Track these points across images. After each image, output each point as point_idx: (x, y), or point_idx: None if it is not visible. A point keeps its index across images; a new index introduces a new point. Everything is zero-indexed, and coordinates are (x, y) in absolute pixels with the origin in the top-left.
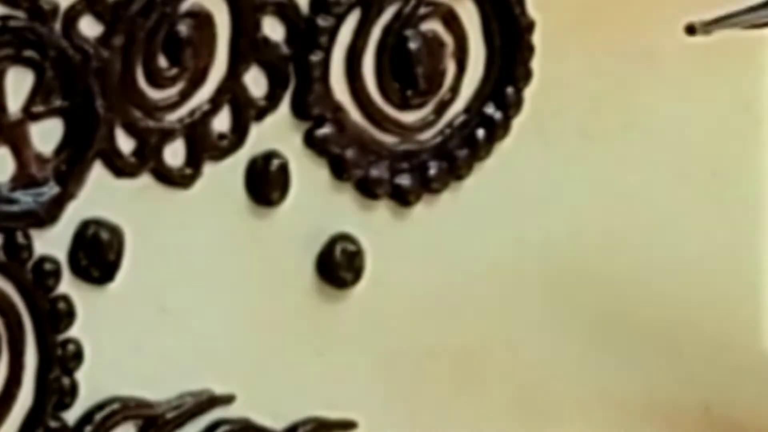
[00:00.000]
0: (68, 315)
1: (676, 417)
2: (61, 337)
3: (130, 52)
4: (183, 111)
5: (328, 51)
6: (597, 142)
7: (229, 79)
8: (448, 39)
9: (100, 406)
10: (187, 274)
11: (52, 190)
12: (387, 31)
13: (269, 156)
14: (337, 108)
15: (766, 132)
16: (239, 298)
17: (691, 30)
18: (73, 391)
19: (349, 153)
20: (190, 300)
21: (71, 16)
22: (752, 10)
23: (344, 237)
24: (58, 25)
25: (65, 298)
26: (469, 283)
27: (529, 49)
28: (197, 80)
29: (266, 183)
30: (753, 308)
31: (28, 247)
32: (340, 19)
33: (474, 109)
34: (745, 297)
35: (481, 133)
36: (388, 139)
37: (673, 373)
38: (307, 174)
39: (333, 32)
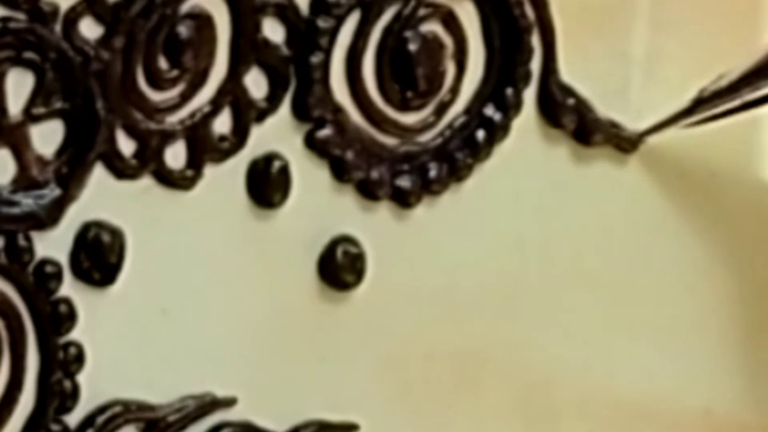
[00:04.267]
0: (69, 318)
1: (677, 419)
2: (63, 339)
3: (131, 54)
4: (184, 113)
5: (328, 52)
6: (596, 143)
7: (229, 81)
8: (447, 40)
9: (101, 409)
10: (189, 276)
11: (53, 192)
12: (387, 32)
13: (270, 158)
14: (338, 109)
15: (766, 132)
16: (240, 301)
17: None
18: (74, 394)
19: (350, 155)
20: (192, 302)
21: (71, 18)
22: (691, 109)
23: (346, 239)
24: (58, 27)
25: (66, 301)
26: (470, 285)
27: (529, 51)
28: (198, 82)
29: (267, 185)
30: (753, 309)
31: (29, 250)
32: (340, 20)
33: (474, 110)
34: (745, 297)
35: (481, 134)
36: (389, 140)
37: (674, 374)
38: (308, 176)
39: (333, 33)
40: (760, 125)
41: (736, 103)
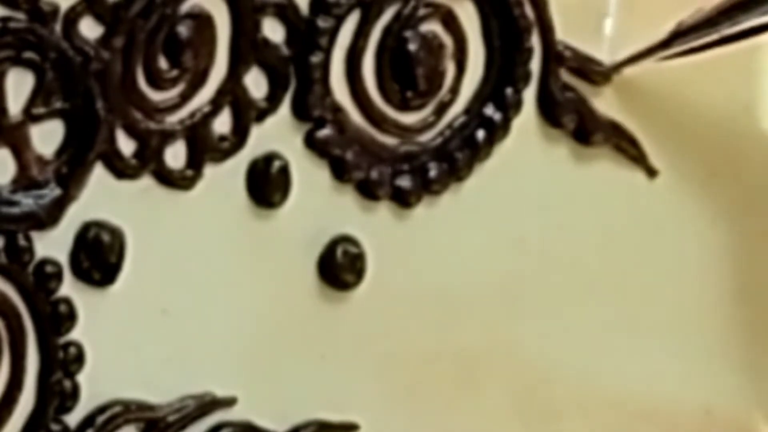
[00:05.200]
0: (69, 317)
1: (677, 419)
2: (63, 339)
3: (131, 54)
4: (184, 113)
5: (328, 52)
6: (596, 143)
7: (229, 81)
8: (447, 40)
9: (101, 409)
10: (189, 276)
11: (53, 192)
12: (387, 32)
13: (270, 158)
14: (338, 109)
15: (766, 132)
16: (240, 301)
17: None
18: (74, 394)
19: (350, 154)
20: (192, 302)
21: (71, 18)
22: (668, 42)
23: (346, 239)
24: (58, 27)
25: (66, 301)
26: (470, 284)
27: (529, 50)
28: (198, 82)
29: (267, 185)
30: (754, 309)
31: (29, 250)
32: (339, 20)
33: (474, 110)
34: (744, 297)
35: (481, 134)
36: (389, 140)
37: (674, 374)
38: (308, 175)
39: (333, 33)
40: (760, 125)
41: (714, 37)
